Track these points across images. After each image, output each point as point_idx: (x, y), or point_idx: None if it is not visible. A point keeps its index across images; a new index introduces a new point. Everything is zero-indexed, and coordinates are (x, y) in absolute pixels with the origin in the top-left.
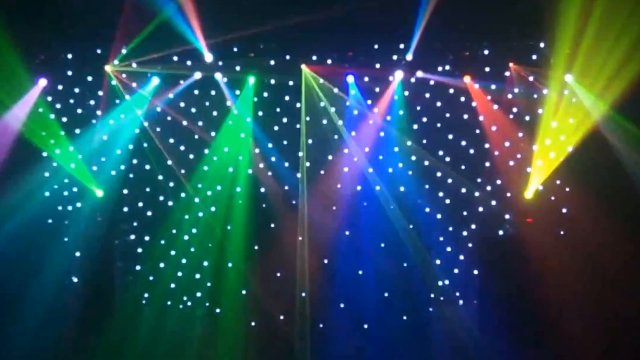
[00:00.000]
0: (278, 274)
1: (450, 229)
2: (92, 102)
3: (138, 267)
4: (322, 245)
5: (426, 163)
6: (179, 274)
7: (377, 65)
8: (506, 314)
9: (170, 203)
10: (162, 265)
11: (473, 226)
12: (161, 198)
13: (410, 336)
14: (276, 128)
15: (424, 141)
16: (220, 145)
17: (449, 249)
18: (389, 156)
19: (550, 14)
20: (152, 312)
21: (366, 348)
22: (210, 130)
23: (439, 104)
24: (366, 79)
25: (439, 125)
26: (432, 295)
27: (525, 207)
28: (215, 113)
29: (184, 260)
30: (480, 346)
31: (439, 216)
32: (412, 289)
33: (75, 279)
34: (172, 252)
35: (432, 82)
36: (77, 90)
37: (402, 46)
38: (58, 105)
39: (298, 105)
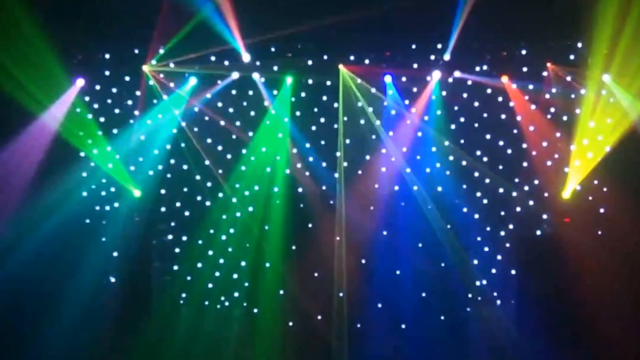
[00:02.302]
0: (315, 274)
1: (488, 229)
2: (129, 102)
3: (175, 267)
4: (359, 245)
5: (464, 163)
6: (217, 274)
7: (415, 65)
8: (544, 314)
9: (207, 203)
10: (199, 265)
11: (511, 226)
12: (199, 198)
13: (448, 336)
14: (314, 128)
15: (462, 141)
16: (258, 145)
17: (486, 249)
18: (427, 156)
19: (588, 13)
20: (189, 312)
21: (404, 348)
22: (247, 130)
23: (476, 104)
24: (404, 78)
25: (476, 125)
26: (470, 295)
27: (563, 207)
28: (252, 113)
29: (221, 260)
30: (517, 346)
31: (476, 216)
32: (450, 289)
33: (112, 279)
34: (210, 252)
35: (469, 82)
36: (114, 90)
37: (439, 46)
38: (95, 105)
39: (335, 105)
